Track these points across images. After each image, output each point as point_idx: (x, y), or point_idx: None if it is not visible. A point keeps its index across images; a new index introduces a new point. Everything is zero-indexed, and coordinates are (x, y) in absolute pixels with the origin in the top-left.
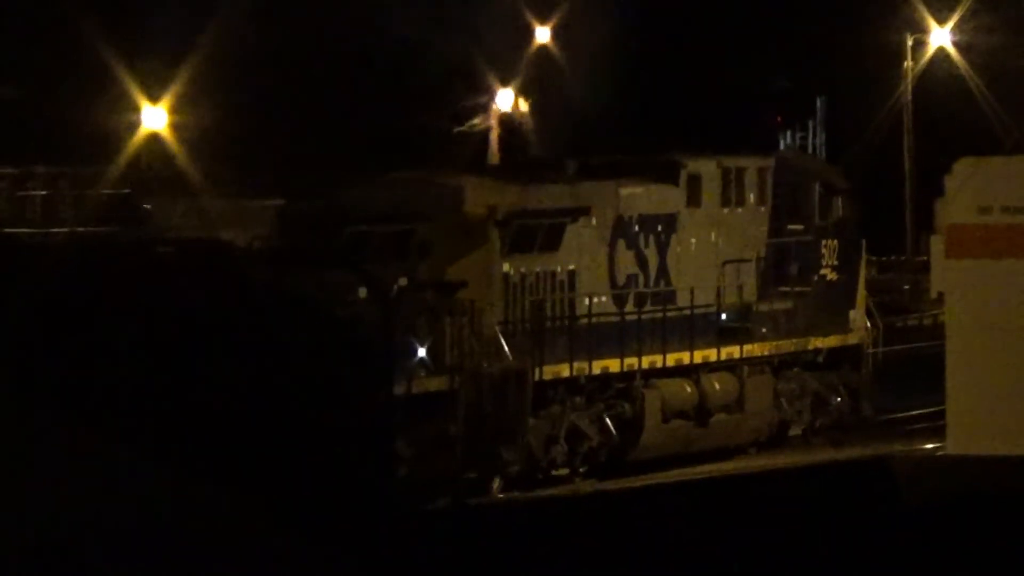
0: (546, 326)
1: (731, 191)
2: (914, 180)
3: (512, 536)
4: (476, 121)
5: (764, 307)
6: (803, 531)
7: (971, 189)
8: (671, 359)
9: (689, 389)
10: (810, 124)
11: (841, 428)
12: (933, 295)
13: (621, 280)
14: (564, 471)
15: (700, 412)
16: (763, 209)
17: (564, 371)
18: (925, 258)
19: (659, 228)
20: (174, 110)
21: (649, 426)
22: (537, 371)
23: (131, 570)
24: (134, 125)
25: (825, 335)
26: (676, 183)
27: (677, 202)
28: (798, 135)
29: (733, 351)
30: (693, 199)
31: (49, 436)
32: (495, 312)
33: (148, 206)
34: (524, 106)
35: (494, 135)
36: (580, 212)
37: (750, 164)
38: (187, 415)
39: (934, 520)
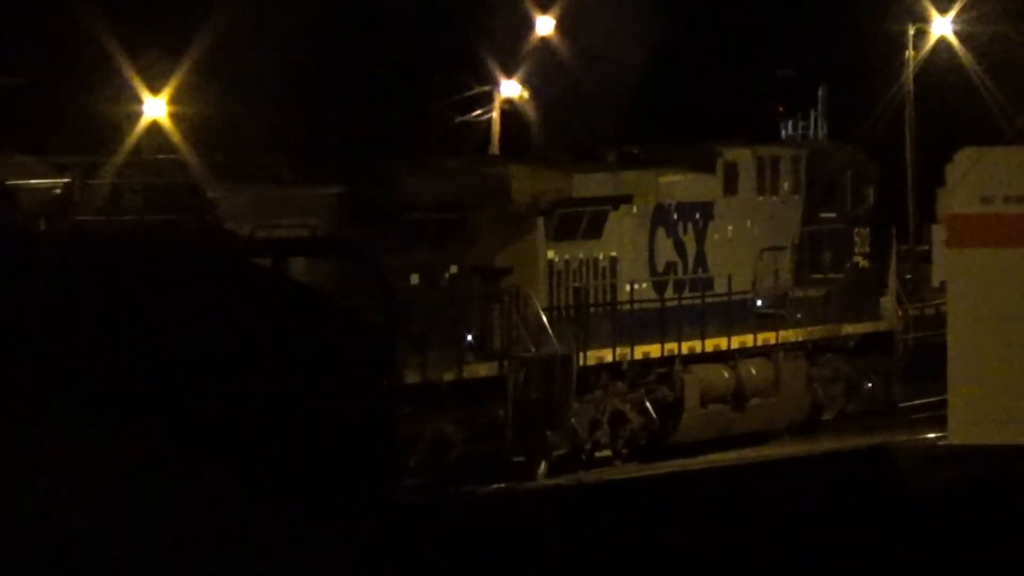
0: (589, 312)
1: (766, 179)
2: (915, 170)
3: (514, 527)
4: (478, 112)
5: (798, 294)
6: (804, 520)
7: (973, 179)
8: (709, 344)
9: (727, 374)
10: (812, 113)
11: (872, 414)
12: (935, 284)
13: (660, 267)
14: (607, 453)
15: (737, 397)
16: (797, 197)
17: (607, 356)
18: (927, 247)
19: (697, 216)
20: (174, 100)
21: (689, 410)
22: (581, 356)
23: (131, 569)
24: (135, 115)
25: (857, 321)
26: (713, 171)
27: (714, 190)
28: (800, 124)
29: (769, 337)
30: (730, 187)
31: (45, 432)
32: (540, 298)
33: (212, 194)
34: (525, 95)
35: (496, 125)
36: (622, 200)
37: (784, 153)
38: (182, 409)
39: (936, 510)
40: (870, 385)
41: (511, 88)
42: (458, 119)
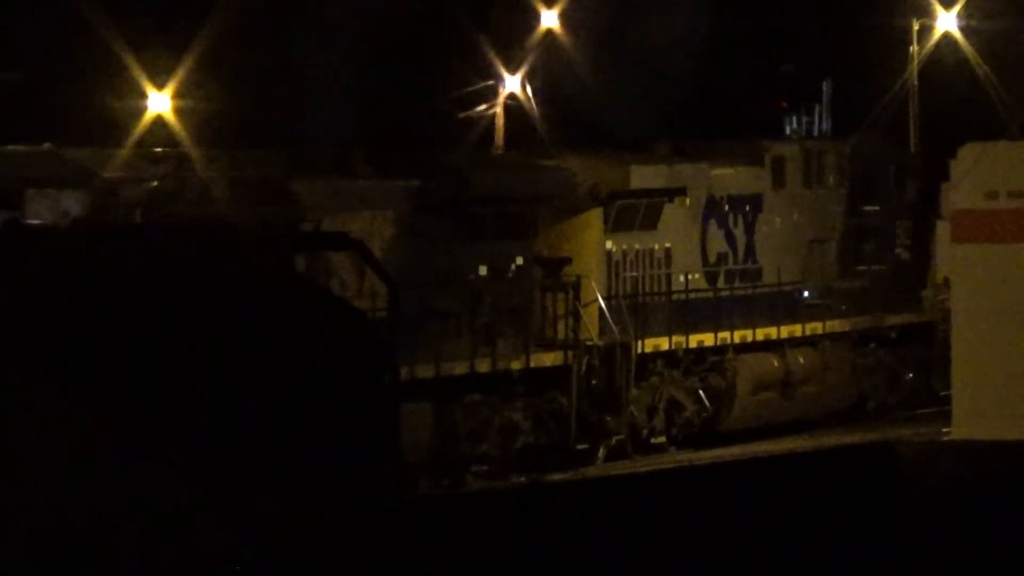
0: (646, 301)
1: (812, 173)
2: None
3: (518, 524)
4: (482, 107)
5: (843, 284)
6: (809, 515)
7: (977, 174)
8: (760, 334)
9: (776, 363)
10: (816, 108)
11: (913, 404)
12: (939, 279)
13: (712, 257)
14: (662, 439)
15: (785, 385)
16: (842, 190)
17: (663, 344)
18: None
19: (746, 208)
20: (178, 94)
21: (740, 397)
22: (639, 344)
23: (131, 570)
24: (139, 110)
25: (899, 312)
26: (761, 165)
27: (763, 183)
28: (804, 119)
29: (816, 327)
30: (777, 180)
31: (47, 431)
32: (599, 287)
33: (294, 187)
34: (529, 90)
35: (499, 120)
36: (678, 192)
37: (829, 147)
38: (184, 405)
39: (940, 504)
40: (911, 375)
41: (514, 83)
42: (461, 115)
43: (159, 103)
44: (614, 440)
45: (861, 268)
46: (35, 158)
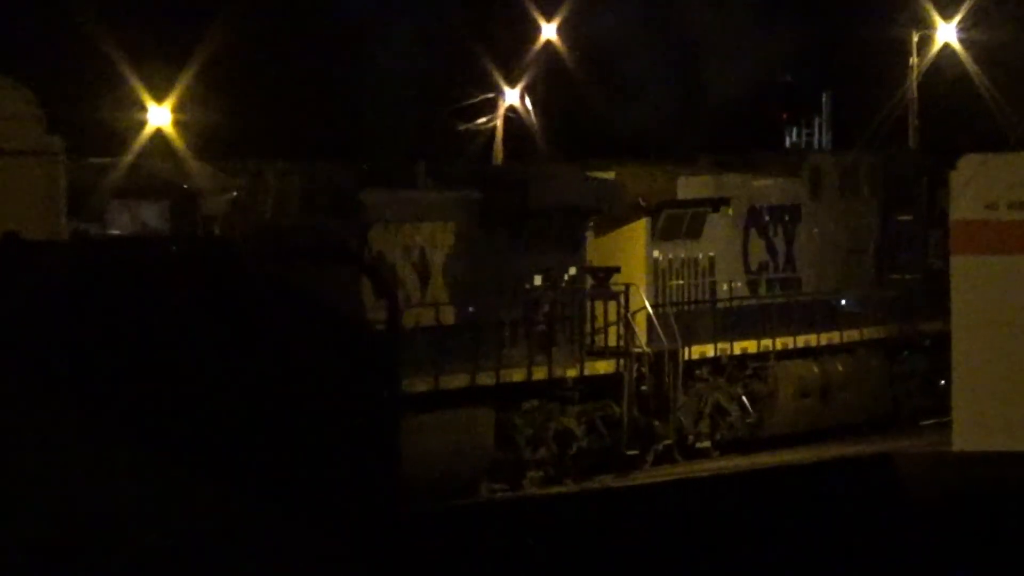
0: (691, 309)
1: (848, 183)
2: None
3: (514, 536)
4: (482, 120)
5: (878, 293)
6: (808, 527)
7: (977, 185)
8: (800, 341)
9: (816, 370)
10: (816, 120)
11: (946, 411)
12: None
13: (754, 266)
14: (707, 444)
15: (824, 391)
16: (876, 200)
17: (709, 351)
18: None
19: (786, 218)
20: (178, 108)
21: (782, 404)
22: (686, 351)
23: (131, 572)
24: (140, 123)
25: (932, 320)
26: (799, 176)
27: (801, 194)
28: (804, 131)
29: (853, 334)
30: (815, 191)
31: (48, 435)
32: (647, 295)
33: (363, 198)
34: (529, 103)
35: (499, 133)
36: (721, 202)
37: (865, 158)
38: (185, 415)
39: (940, 516)
40: (944, 383)
41: (513, 96)
42: (462, 127)
43: (159, 116)
44: (662, 445)
45: (895, 277)
46: (117, 169)
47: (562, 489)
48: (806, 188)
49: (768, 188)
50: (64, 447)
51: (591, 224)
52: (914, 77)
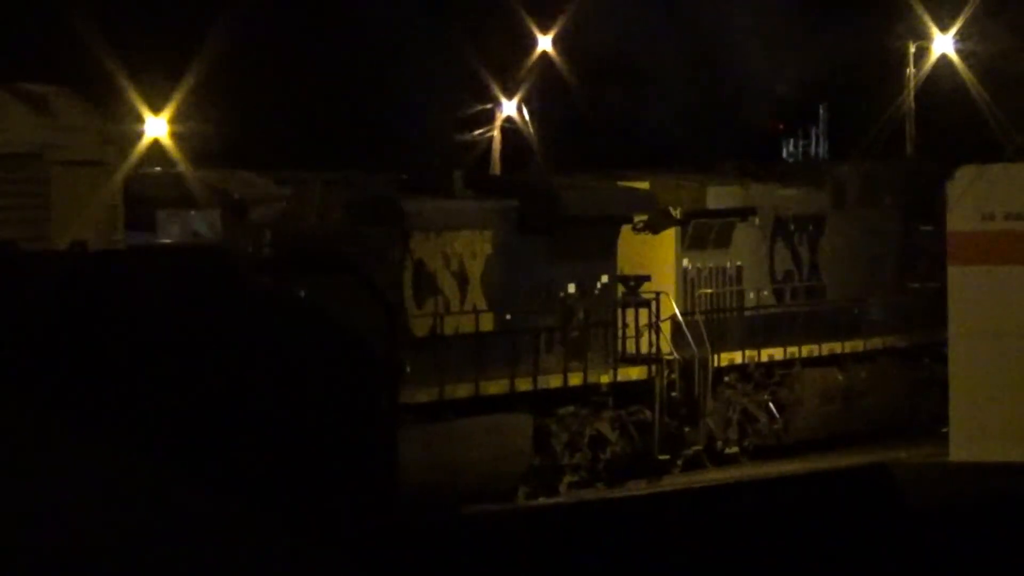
0: (719, 317)
1: (870, 193)
2: None
3: (507, 546)
4: (480, 130)
5: (899, 301)
6: (805, 537)
7: (973, 196)
8: (825, 349)
9: (840, 377)
10: (812, 131)
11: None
12: None
13: (780, 275)
14: (735, 450)
15: (847, 398)
16: (897, 210)
17: (737, 358)
18: None
19: (810, 227)
20: (176, 119)
21: (807, 410)
22: (715, 358)
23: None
24: (137, 134)
25: None
26: (823, 186)
27: (824, 204)
28: (800, 142)
29: (875, 342)
30: (838, 201)
31: (50, 441)
32: (676, 303)
33: (405, 207)
34: (526, 114)
35: (496, 144)
36: (749, 212)
37: (886, 168)
38: (184, 424)
39: (936, 527)
40: None
41: (511, 107)
42: (458, 137)
43: (156, 127)
44: (692, 450)
45: (915, 285)
46: (168, 179)
47: (549, 501)
48: (829, 198)
49: (793, 198)
50: (62, 453)
51: (624, 233)
52: (911, 88)
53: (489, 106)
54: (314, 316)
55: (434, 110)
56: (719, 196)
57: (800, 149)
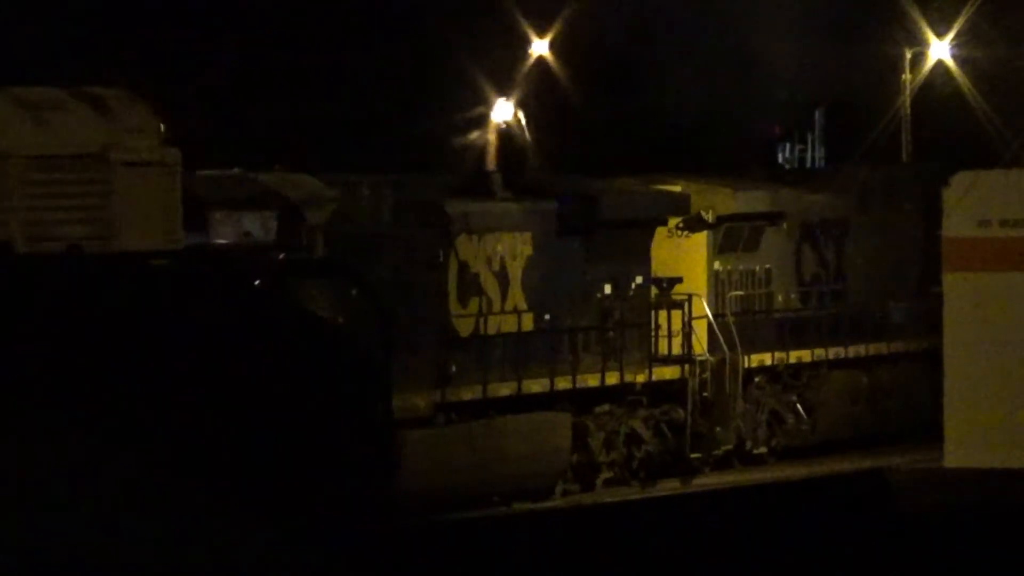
0: (749, 319)
1: (893, 198)
2: None
3: (505, 551)
4: (476, 133)
5: (922, 304)
6: (799, 543)
7: (969, 202)
8: (851, 351)
9: (865, 379)
10: (809, 136)
11: None
12: None
13: (807, 278)
14: (763, 450)
15: (871, 399)
16: (919, 214)
17: (767, 360)
18: None
19: (836, 232)
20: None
21: (833, 411)
22: (745, 359)
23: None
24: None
25: None
26: (848, 191)
27: (849, 208)
28: (797, 147)
29: (898, 345)
30: (862, 206)
31: (47, 441)
32: (708, 305)
33: (449, 210)
34: (521, 117)
35: (491, 146)
36: (779, 216)
37: (909, 173)
38: (178, 427)
39: (930, 533)
40: None
41: (506, 110)
42: (453, 140)
43: None
44: (722, 450)
45: (936, 290)
46: (222, 181)
47: (547, 505)
48: (854, 203)
49: (819, 202)
50: (60, 452)
51: (658, 236)
52: (907, 94)
53: (484, 109)
54: (307, 319)
55: (433, 110)
56: (748, 201)
57: (796, 154)
